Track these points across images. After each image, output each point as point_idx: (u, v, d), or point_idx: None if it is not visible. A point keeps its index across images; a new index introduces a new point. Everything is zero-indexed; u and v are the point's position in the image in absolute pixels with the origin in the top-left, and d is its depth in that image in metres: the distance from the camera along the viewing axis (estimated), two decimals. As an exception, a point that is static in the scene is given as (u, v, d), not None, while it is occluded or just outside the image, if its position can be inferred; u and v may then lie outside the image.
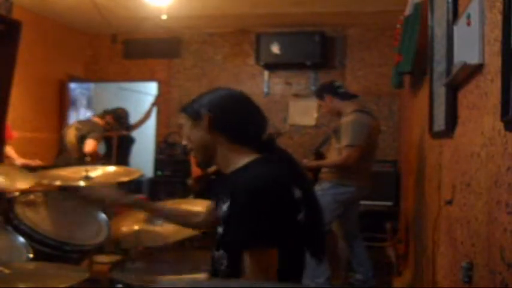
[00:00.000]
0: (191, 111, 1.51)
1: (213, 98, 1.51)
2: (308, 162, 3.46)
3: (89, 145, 4.49)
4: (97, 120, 4.83)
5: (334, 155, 3.42)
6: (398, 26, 3.78)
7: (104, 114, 4.93)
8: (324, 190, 3.28)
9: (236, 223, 1.32)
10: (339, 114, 3.48)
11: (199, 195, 4.10)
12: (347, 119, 3.31)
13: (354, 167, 3.27)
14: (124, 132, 5.37)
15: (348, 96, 3.49)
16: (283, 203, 1.34)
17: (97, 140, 4.56)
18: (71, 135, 4.68)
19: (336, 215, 3.38)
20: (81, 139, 4.58)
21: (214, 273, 1.45)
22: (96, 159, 4.52)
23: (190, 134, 1.51)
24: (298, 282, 1.44)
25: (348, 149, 3.23)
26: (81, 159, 4.43)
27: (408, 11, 3.09)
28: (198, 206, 2.57)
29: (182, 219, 1.86)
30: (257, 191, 1.30)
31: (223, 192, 1.46)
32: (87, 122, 4.86)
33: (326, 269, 3.25)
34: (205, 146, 1.49)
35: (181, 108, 1.56)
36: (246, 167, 1.42)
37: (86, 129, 4.62)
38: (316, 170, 3.47)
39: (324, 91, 3.53)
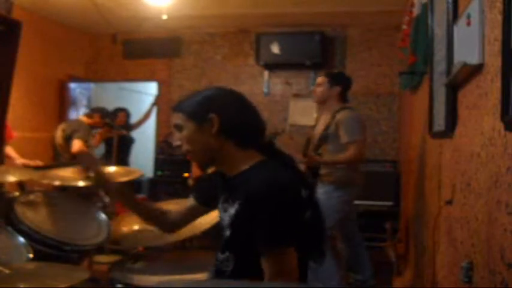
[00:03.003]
0: (194, 113, 1.42)
1: (220, 100, 1.44)
2: (316, 157, 3.27)
3: (75, 145, 4.52)
4: (83, 119, 4.85)
5: (328, 157, 3.31)
6: (405, 26, 3.77)
7: (91, 113, 4.96)
8: (328, 193, 3.19)
9: (254, 224, 1.30)
10: (323, 103, 3.43)
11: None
12: (341, 117, 3.25)
13: (354, 165, 3.26)
14: (124, 132, 5.39)
15: (346, 100, 3.46)
16: (295, 202, 1.34)
17: (82, 139, 4.58)
18: (58, 136, 4.72)
19: (339, 218, 3.28)
20: (68, 140, 4.61)
21: (217, 275, 1.44)
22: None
23: (192, 137, 1.42)
24: (303, 282, 1.43)
25: (354, 144, 3.16)
26: (73, 160, 4.46)
27: (416, 11, 3.09)
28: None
29: (151, 214, 1.74)
30: (272, 191, 1.29)
31: (228, 195, 1.45)
32: (73, 122, 4.88)
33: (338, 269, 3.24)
34: (209, 150, 1.42)
35: (176, 108, 1.47)
36: (252, 169, 1.40)
37: (70, 130, 4.65)
38: (315, 169, 3.39)
39: (340, 82, 3.42)
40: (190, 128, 1.42)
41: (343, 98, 3.41)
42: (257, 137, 1.47)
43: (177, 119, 1.45)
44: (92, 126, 4.86)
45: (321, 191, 3.21)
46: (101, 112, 5.01)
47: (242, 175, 1.41)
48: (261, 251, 1.30)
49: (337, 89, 3.38)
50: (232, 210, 1.38)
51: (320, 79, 3.45)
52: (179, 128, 1.45)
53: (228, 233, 1.40)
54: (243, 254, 1.33)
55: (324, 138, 3.32)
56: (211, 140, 1.41)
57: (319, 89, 3.43)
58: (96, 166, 1.77)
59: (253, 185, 1.33)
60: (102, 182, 1.74)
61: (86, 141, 4.63)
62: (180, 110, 1.45)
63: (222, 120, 1.40)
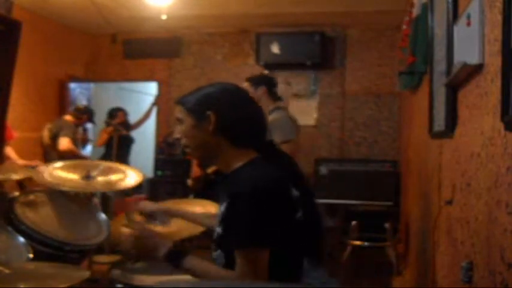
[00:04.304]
0: (194, 109, 1.43)
1: (219, 98, 1.44)
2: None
3: (62, 143, 4.57)
4: (68, 118, 4.89)
5: None
6: (404, 26, 3.77)
7: (76, 111, 5.01)
8: None
9: (234, 223, 1.31)
10: None
11: (199, 195, 4.10)
12: (272, 118, 3.31)
13: None
14: (124, 132, 5.40)
15: (276, 97, 3.53)
16: (281, 202, 1.33)
17: (69, 136, 4.61)
18: (44, 136, 4.75)
19: None
20: (54, 138, 4.65)
21: None
22: (74, 156, 4.58)
23: (190, 133, 1.44)
24: (296, 282, 1.43)
25: (286, 144, 3.14)
26: (61, 158, 4.50)
27: (416, 11, 3.10)
28: (198, 206, 2.57)
29: (199, 221, 1.90)
30: (256, 191, 1.29)
31: (222, 193, 1.46)
32: (58, 121, 4.94)
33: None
34: (206, 147, 1.44)
35: (179, 101, 1.48)
36: (244, 167, 1.41)
37: (56, 128, 4.69)
38: None
39: (263, 82, 3.52)
40: (189, 123, 1.44)
41: (272, 96, 3.48)
42: (256, 136, 1.47)
43: (178, 112, 1.47)
44: (77, 125, 4.90)
45: None
46: (86, 111, 5.07)
47: (234, 173, 1.42)
48: (232, 247, 1.31)
49: (262, 89, 3.46)
50: (222, 208, 1.39)
51: (244, 85, 3.53)
52: (180, 121, 1.47)
53: (219, 230, 1.40)
54: (232, 251, 1.33)
55: None
56: (207, 137, 1.42)
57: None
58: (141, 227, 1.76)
59: (239, 183, 1.34)
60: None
61: (72, 139, 4.67)
62: (182, 103, 1.47)
63: (219, 119, 1.40)
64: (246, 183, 1.32)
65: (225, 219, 1.36)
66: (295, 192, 1.39)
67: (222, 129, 1.41)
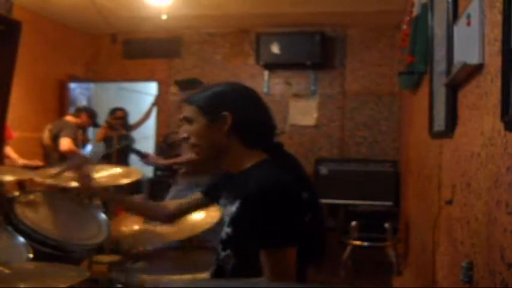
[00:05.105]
0: (208, 108, 1.40)
1: (233, 98, 1.42)
2: (161, 160, 3.59)
3: (63, 144, 4.55)
4: (69, 118, 4.88)
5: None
6: (404, 26, 3.77)
7: (77, 112, 4.99)
8: (180, 191, 3.28)
9: (252, 223, 1.30)
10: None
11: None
12: None
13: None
14: (124, 132, 5.40)
15: None
16: (294, 203, 1.33)
17: (70, 137, 4.61)
18: (45, 137, 4.74)
19: None
20: (55, 139, 4.64)
21: (219, 272, 1.44)
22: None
23: (201, 132, 1.41)
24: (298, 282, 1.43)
25: None
26: (62, 159, 4.51)
27: (416, 11, 3.10)
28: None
29: (148, 212, 1.83)
30: (271, 191, 1.28)
31: (229, 192, 1.46)
32: (59, 121, 4.93)
33: None
34: (216, 146, 1.42)
35: (189, 100, 1.45)
36: (254, 167, 1.40)
37: (57, 129, 4.68)
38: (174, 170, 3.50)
39: (191, 88, 3.51)
40: (201, 123, 1.41)
41: None
42: (266, 136, 1.46)
43: (189, 111, 1.43)
44: (79, 126, 4.88)
45: (174, 189, 3.48)
46: (88, 111, 5.05)
47: (243, 173, 1.41)
48: (258, 250, 1.30)
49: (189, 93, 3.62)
50: (233, 208, 1.38)
51: (172, 89, 3.63)
52: (189, 120, 1.43)
53: (228, 230, 1.39)
54: (244, 252, 1.33)
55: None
56: (220, 137, 1.40)
57: (173, 98, 3.64)
58: (84, 168, 1.72)
59: (251, 184, 1.33)
60: (86, 185, 1.71)
61: (73, 139, 4.65)
62: (193, 102, 1.43)
63: (234, 119, 1.39)
64: (258, 184, 1.31)
65: (237, 220, 1.35)
66: (304, 195, 1.38)
67: (236, 129, 1.39)
